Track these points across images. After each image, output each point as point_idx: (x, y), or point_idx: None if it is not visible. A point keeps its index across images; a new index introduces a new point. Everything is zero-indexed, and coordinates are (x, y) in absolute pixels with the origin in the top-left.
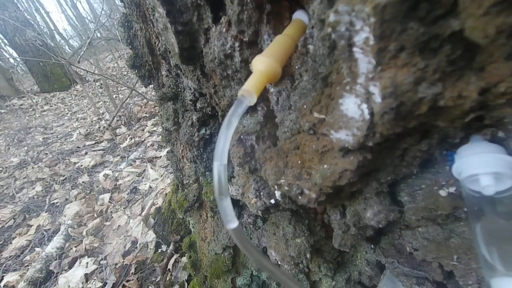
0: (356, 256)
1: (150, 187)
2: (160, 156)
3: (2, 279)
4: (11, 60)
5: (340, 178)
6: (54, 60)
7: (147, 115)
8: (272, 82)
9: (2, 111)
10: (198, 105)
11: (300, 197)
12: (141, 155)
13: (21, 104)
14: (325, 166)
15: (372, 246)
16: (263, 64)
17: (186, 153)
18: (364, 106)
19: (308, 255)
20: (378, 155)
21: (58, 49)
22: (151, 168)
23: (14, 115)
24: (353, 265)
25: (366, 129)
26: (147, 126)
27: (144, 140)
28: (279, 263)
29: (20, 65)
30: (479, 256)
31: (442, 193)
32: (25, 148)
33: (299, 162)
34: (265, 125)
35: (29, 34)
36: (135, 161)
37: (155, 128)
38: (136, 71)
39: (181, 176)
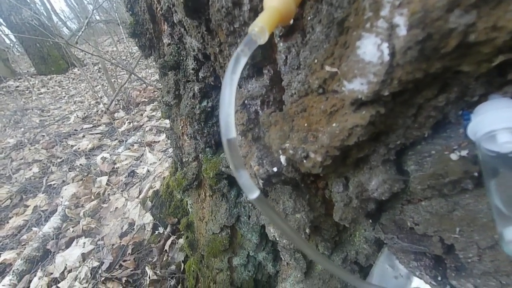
0: (355, 234)
1: (148, 170)
2: (159, 141)
3: None
4: (7, 41)
5: (350, 136)
6: (51, 40)
7: (146, 100)
8: (285, 22)
9: None
10: (201, 74)
11: (305, 161)
12: (139, 140)
13: (17, 86)
14: (334, 124)
15: (372, 221)
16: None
17: (186, 129)
18: (385, 45)
19: (307, 230)
20: (391, 112)
21: (55, 30)
22: (149, 152)
23: (10, 97)
24: (351, 245)
25: (384, 73)
26: (145, 111)
27: (143, 124)
28: (278, 239)
29: (16, 46)
30: (493, 208)
31: (453, 156)
32: (22, 129)
33: (306, 125)
34: (271, 90)
35: (25, 13)
36: (133, 145)
37: (154, 113)
38: (136, 40)
39: (181, 154)
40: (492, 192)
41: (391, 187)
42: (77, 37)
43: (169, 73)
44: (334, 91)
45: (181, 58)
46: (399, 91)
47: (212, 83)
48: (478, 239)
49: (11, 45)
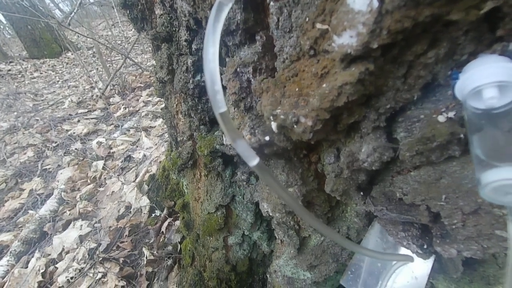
0: (346, 210)
1: (144, 155)
2: (155, 126)
3: None
4: None
5: (339, 95)
6: (43, 22)
7: (142, 85)
8: None
9: None
10: (194, 46)
11: (295, 126)
12: (135, 125)
13: (9, 70)
14: (324, 85)
15: (363, 195)
16: None
17: (181, 107)
18: None
19: (299, 203)
20: (381, 71)
21: (47, 11)
22: (146, 136)
23: (2, 80)
24: (342, 221)
25: (373, 22)
26: (141, 96)
27: (139, 110)
28: (271, 213)
29: (7, 28)
30: (473, 157)
31: (441, 118)
32: (15, 113)
33: (297, 89)
34: (263, 57)
35: None
36: (129, 130)
37: (150, 99)
38: (128, 12)
39: (175, 134)
40: (474, 143)
41: (381, 155)
42: (69, 18)
43: (162, 46)
44: (325, 51)
45: (174, 29)
46: (388, 45)
47: None
48: (463, 205)
49: (1, 27)
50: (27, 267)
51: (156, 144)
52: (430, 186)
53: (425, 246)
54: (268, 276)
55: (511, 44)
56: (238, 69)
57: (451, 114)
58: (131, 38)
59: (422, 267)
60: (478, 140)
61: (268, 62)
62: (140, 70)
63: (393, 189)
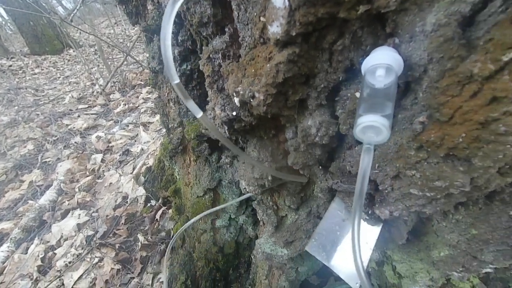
0: (315, 189)
1: (142, 149)
2: (153, 121)
3: None
4: None
5: (278, 72)
6: (45, 17)
7: (142, 83)
8: None
9: None
10: (180, 38)
11: (252, 100)
12: (134, 120)
13: (10, 65)
14: (268, 65)
15: (324, 172)
16: None
17: (171, 95)
18: None
19: (269, 178)
20: (308, 55)
21: (50, 8)
22: (144, 131)
23: (3, 76)
24: (314, 200)
25: (287, 16)
26: (141, 93)
27: (138, 106)
28: (247, 189)
29: (9, 24)
30: (356, 113)
31: (357, 94)
32: (16, 108)
33: (253, 71)
34: (231, 45)
35: None
36: (128, 126)
37: (149, 96)
38: (124, 7)
39: (167, 121)
40: (360, 106)
41: (327, 130)
42: (72, 15)
43: (154, 38)
44: (269, 39)
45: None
46: (305, 34)
47: (190, 47)
48: (389, 171)
49: (3, 22)
50: (26, 253)
51: (153, 139)
52: None
53: (370, 212)
54: (252, 257)
55: (396, 39)
56: (211, 55)
57: None
58: (133, 36)
59: (371, 233)
60: (364, 104)
61: (236, 50)
62: (141, 68)
63: (345, 164)
